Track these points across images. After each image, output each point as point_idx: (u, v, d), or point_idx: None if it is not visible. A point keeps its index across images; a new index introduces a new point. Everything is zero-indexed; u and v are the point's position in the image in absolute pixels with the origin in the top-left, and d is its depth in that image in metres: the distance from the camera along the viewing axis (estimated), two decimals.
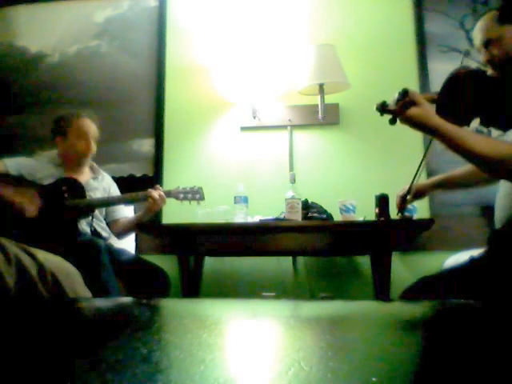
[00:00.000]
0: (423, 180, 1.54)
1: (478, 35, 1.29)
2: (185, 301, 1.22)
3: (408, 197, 1.55)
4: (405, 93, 1.16)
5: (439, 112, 1.16)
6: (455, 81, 1.19)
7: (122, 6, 2.74)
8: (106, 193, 2.10)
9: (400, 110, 1.16)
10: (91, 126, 2.03)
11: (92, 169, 2.12)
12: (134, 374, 0.36)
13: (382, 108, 1.21)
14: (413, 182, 1.47)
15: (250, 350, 0.48)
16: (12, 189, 1.77)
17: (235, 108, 2.49)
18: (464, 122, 1.19)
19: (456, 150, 1.11)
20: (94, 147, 2.03)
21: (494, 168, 1.12)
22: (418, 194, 1.60)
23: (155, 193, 1.88)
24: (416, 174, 1.44)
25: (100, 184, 2.09)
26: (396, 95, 1.18)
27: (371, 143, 2.38)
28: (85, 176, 2.06)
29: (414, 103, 1.14)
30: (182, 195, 1.92)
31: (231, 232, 1.84)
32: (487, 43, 1.24)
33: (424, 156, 1.43)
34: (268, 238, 1.93)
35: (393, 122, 1.19)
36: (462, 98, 1.18)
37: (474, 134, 1.13)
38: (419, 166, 1.42)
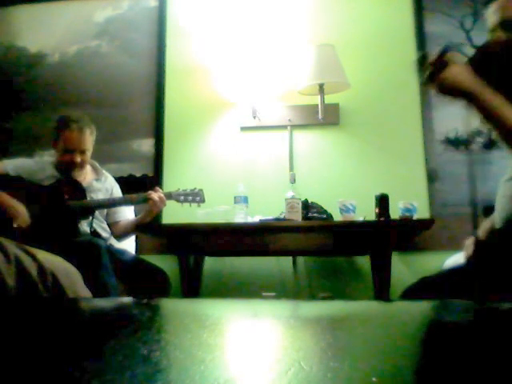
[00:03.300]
0: None
1: (493, 15, 1.16)
2: (185, 301, 1.23)
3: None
4: (443, 51, 1.00)
5: (478, 68, 0.99)
6: (494, 44, 1.07)
7: (121, 6, 2.74)
8: (108, 194, 2.08)
9: (434, 70, 0.99)
10: (80, 138, 1.91)
11: (95, 170, 2.11)
12: (133, 374, 0.36)
13: (422, 61, 1.04)
14: None
15: (250, 349, 0.48)
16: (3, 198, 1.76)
17: (235, 108, 2.48)
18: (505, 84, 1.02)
19: (489, 120, 0.99)
20: (80, 160, 1.93)
21: None
22: None
23: (155, 195, 1.87)
24: None
25: (103, 185, 2.08)
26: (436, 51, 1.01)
27: (371, 143, 2.38)
28: (87, 177, 2.05)
29: (448, 64, 0.98)
30: (182, 197, 1.92)
31: (231, 232, 1.84)
32: (507, 24, 1.11)
33: None
34: (268, 238, 1.92)
35: (428, 80, 1.01)
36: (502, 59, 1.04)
37: None
38: None
